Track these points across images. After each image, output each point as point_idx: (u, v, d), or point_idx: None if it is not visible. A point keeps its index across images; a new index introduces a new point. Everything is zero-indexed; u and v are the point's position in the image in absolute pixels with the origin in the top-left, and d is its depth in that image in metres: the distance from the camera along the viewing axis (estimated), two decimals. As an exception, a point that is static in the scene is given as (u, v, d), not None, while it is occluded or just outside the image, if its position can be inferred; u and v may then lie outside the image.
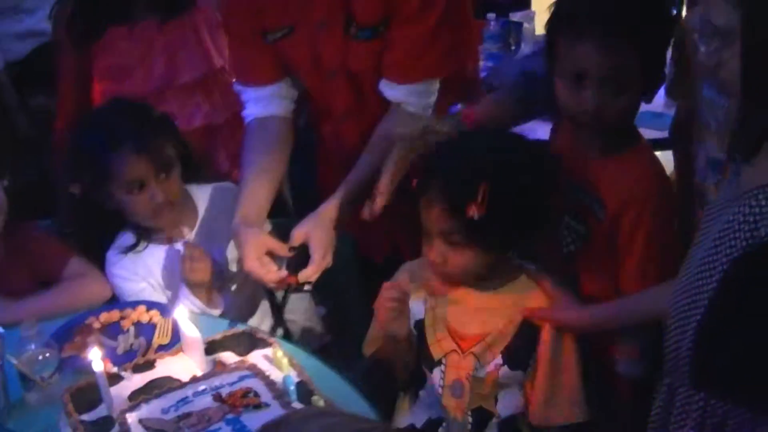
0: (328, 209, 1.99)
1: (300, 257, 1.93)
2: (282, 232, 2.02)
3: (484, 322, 1.84)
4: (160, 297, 2.20)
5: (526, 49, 3.54)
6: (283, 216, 2.35)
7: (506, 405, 1.86)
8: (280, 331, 2.22)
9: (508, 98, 2.09)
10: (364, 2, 1.98)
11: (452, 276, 1.83)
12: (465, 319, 1.86)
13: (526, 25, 3.65)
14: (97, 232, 2.28)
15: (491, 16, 3.62)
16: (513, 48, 3.61)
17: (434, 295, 1.88)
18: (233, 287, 2.24)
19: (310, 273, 1.92)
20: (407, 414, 1.97)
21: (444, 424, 1.89)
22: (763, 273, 1.33)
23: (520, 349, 1.83)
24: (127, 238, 2.24)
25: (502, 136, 1.91)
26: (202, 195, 2.28)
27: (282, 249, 1.96)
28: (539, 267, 1.90)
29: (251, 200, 2.07)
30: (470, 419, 1.86)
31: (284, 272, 1.94)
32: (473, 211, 1.69)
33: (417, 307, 1.89)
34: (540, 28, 3.52)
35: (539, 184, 1.76)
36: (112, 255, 2.25)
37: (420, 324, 1.89)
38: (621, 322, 1.81)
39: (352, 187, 2.02)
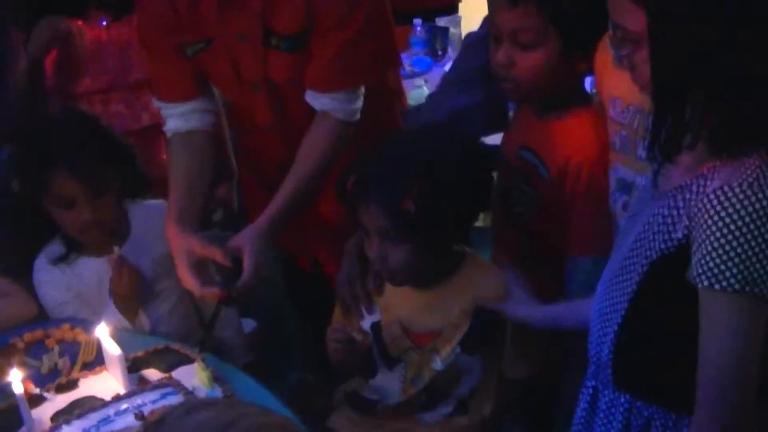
0: (262, 222, 1.99)
1: (235, 271, 1.93)
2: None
3: (436, 316, 1.88)
4: (87, 311, 2.17)
5: (452, 54, 3.58)
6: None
7: (463, 386, 1.90)
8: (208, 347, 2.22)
9: None
10: (282, 13, 1.98)
11: (395, 274, 1.85)
12: (418, 317, 1.89)
13: (452, 29, 3.69)
14: (32, 234, 2.25)
15: (418, 21, 3.64)
16: (440, 53, 3.64)
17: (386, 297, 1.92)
18: (160, 303, 2.22)
19: (241, 286, 1.92)
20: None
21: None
22: (680, 274, 1.35)
23: (477, 336, 1.85)
24: (57, 247, 2.21)
25: (436, 132, 1.92)
26: (137, 212, 2.26)
27: (219, 255, 1.94)
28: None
29: (182, 210, 2.06)
30: (423, 399, 1.90)
31: (213, 288, 1.94)
32: (407, 208, 1.73)
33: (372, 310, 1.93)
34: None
35: (473, 177, 1.80)
36: (41, 262, 2.22)
37: (377, 326, 1.91)
38: (572, 322, 1.79)
39: (286, 200, 2.01)
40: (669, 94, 1.35)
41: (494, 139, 2.21)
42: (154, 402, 1.69)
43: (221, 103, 2.28)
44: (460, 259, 1.91)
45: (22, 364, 1.89)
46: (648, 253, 1.41)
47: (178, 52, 2.09)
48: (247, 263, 1.91)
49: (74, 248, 2.20)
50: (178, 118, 2.15)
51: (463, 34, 3.62)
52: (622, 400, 1.51)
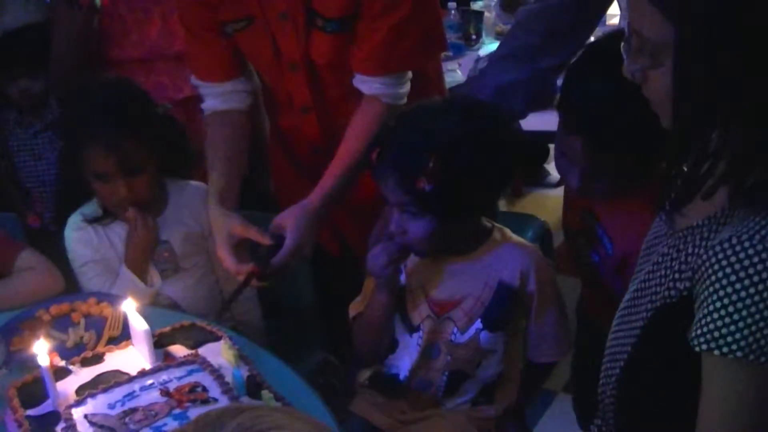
0: (311, 201, 1.98)
1: (274, 248, 1.93)
2: (259, 226, 2.02)
3: (460, 287, 1.86)
4: (109, 277, 2.18)
5: (486, 39, 3.54)
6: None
7: (486, 368, 1.89)
8: (227, 315, 2.22)
9: None
10: None
11: (414, 246, 1.83)
12: (442, 285, 1.88)
13: (486, 14, 3.65)
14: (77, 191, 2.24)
15: (452, 5, 3.62)
16: (473, 38, 3.60)
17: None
18: (184, 276, 2.22)
19: (280, 259, 1.92)
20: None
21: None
22: (681, 327, 1.21)
23: (499, 311, 1.84)
24: (95, 207, 2.21)
25: (457, 106, 1.85)
26: (175, 190, 2.25)
27: (260, 236, 1.96)
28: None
29: (223, 190, 2.08)
30: (445, 379, 1.89)
31: (248, 266, 1.95)
32: (423, 183, 1.70)
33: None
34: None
35: (493, 154, 1.76)
36: (76, 218, 2.22)
37: (402, 289, 1.90)
38: None
39: (335, 180, 2.01)
40: (691, 121, 1.18)
41: (535, 121, 2.18)
42: (179, 378, 1.67)
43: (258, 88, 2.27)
44: (486, 233, 1.89)
45: (48, 337, 1.88)
46: (653, 297, 1.30)
47: (218, 31, 2.07)
48: (288, 239, 1.92)
49: (110, 213, 2.20)
50: (215, 97, 2.16)
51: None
52: None
